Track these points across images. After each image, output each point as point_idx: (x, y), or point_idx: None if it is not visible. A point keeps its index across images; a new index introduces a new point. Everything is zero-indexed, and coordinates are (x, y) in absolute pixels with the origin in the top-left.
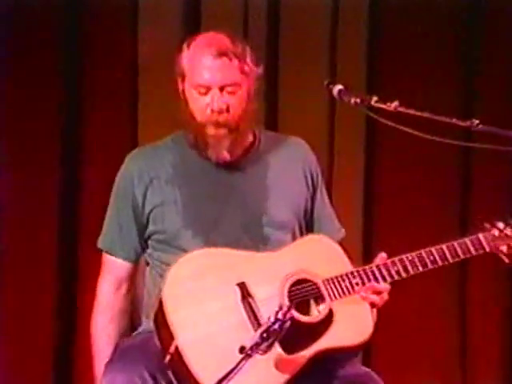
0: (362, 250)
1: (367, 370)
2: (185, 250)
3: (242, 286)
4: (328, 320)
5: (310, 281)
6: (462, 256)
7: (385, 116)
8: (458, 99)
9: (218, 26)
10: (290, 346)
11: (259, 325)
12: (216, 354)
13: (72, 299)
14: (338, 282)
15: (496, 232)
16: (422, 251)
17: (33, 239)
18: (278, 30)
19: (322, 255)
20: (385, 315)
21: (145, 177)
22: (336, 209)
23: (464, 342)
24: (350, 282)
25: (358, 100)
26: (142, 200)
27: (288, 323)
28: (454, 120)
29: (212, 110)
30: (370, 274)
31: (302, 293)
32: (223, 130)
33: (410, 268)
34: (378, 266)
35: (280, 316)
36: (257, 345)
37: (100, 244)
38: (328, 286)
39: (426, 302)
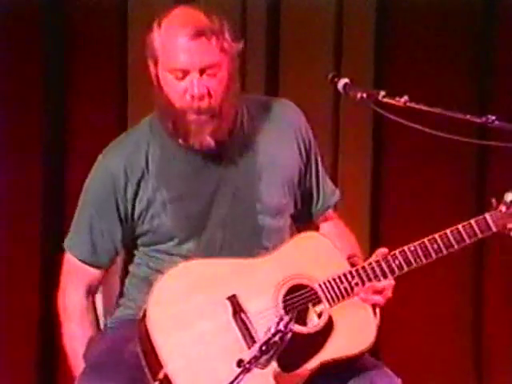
0: (369, 252)
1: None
2: (176, 250)
3: (233, 300)
4: (328, 329)
5: (305, 286)
6: (467, 240)
7: (393, 112)
8: (472, 94)
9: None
10: (289, 362)
11: (253, 342)
12: (209, 379)
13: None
14: (336, 284)
15: (503, 208)
16: (425, 239)
17: (16, 237)
18: (279, 21)
19: (315, 255)
20: (397, 319)
21: (128, 177)
22: (341, 210)
23: (479, 346)
24: (349, 283)
25: (365, 95)
26: (129, 202)
27: (289, 335)
28: (468, 116)
29: (192, 96)
30: (369, 271)
31: (299, 301)
32: (205, 117)
33: (412, 260)
34: (377, 262)
35: (281, 327)
36: (256, 358)
37: (73, 251)
38: (325, 290)
39: (439, 305)
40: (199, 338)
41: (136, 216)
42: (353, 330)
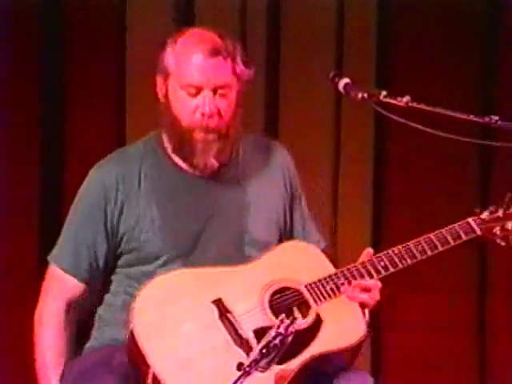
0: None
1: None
2: (161, 272)
3: (219, 303)
4: (316, 325)
5: (290, 288)
6: (452, 242)
7: (395, 112)
8: (475, 93)
9: (215, 15)
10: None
11: (242, 340)
12: (200, 379)
13: None
14: (322, 285)
15: (486, 215)
16: (410, 243)
17: (14, 243)
18: (279, 20)
19: (300, 261)
20: (401, 323)
21: (120, 191)
22: (343, 212)
23: (483, 349)
24: (335, 284)
25: (366, 95)
26: (118, 217)
27: (290, 338)
28: (470, 116)
29: (203, 114)
30: (355, 272)
31: (284, 301)
32: (212, 136)
33: (397, 261)
34: (363, 263)
35: (281, 330)
36: (256, 361)
37: (56, 260)
38: (312, 291)
39: (443, 309)
40: (186, 339)
41: (122, 230)
42: (341, 325)
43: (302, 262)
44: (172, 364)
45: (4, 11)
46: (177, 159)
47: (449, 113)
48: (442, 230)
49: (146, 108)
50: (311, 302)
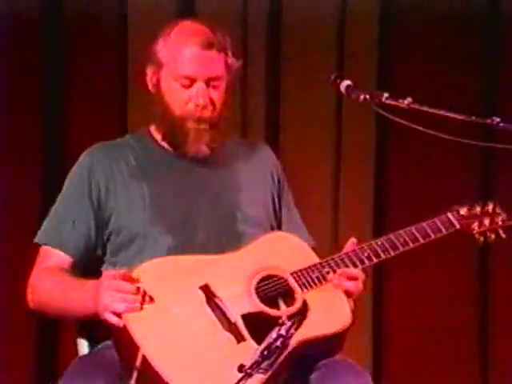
0: None
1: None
2: (152, 249)
3: (206, 289)
4: (303, 311)
5: (277, 275)
6: (432, 235)
7: (396, 114)
8: (477, 95)
9: (217, 17)
10: None
11: (230, 324)
12: (189, 361)
13: None
14: (308, 273)
15: (465, 211)
16: (391, 234)
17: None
18: (280, 24)
19: (286, 251)
20: (404, 325)
21: (107, 169)
22: (344, 215)
23: (485, 352)
24: (321, 272)
25: (368, 96)
26: (105, 192)
27: (291, 340)
28: (472, 118)
29: (196, 105)
30: (339, 262)
31: (271, 288)
32: (204, 125)
33: (380, 252)
34: (347, 254)
35: (283, 332)
36: (257, 363)
37: (42, 239)
38: (298, 279)
39: (446, 311)
40: (175, 322)
41: (111, 208)
42: (328, 312)
43: (286, 251)
44: (161, 346)
45: (7, 17)
46: (167, 146)
47: (450, 114)
48: (423, 223)
49: (147, 112)
50: (297, 289)
